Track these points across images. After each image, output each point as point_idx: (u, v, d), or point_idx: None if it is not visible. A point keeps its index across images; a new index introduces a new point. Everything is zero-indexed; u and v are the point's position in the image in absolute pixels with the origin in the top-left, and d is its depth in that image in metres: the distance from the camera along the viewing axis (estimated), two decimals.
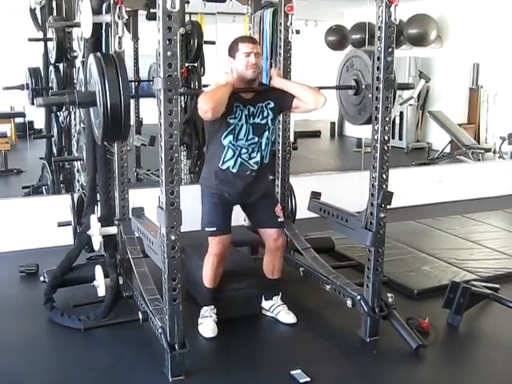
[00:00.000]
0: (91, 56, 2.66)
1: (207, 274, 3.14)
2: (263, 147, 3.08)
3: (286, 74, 3.55)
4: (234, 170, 3.03)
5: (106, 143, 3.47)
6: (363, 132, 5.21)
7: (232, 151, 3.03)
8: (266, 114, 3.06)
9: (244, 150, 3.04)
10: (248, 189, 3.09)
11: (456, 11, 8.49)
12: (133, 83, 6.42)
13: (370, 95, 3.00)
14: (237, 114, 2.98)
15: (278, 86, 3.09)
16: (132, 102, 6.49)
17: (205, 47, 5.43)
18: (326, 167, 7.62)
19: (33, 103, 5.29)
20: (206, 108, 2.82)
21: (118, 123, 2.54)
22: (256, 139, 3.05)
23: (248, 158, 3.05)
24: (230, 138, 3.01)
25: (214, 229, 3.05)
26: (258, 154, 3.06)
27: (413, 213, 5.47)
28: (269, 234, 3.19)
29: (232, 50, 3.00)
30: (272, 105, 3.07)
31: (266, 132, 3.08)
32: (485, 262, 4.17)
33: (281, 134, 3.66)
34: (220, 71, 2.99)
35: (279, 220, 3.19)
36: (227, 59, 3.03)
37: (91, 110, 2.77)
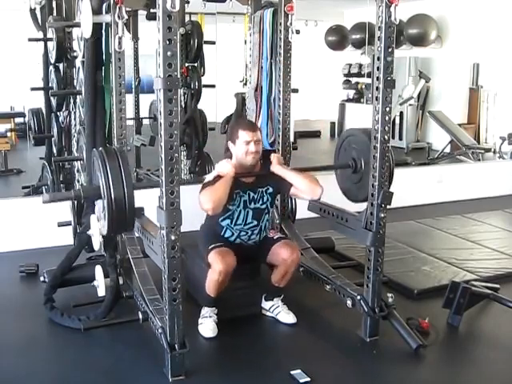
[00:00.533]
0: (94, 151, 2.78)
1: (211, 287, 3.06)
2: (263, 229, 3.20)
3: (286, 75, 3.55)
4: (234, 242, 3.15)
5: (106, 144, 3.49)
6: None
7: (230, 232, 3.15)
8: (265, 200, 3.16)
9: (243, 233, 3.15)
10: (248, 252, 3.17)
11: (456, 11, 8.49)
12: (132, 82, 6.43)
13: (367, 174, 3.02)
14: (236, 201, 3.07)
15: (277, 173, 3.12)
16: (132, 101, 6.50)
17: (205, 47, 5.44)
18: None
19: (36, 145, 5.47)
20: (206, 207, 2.91)
21: (123, 215, 2.63)
22: (255, 223, 3.15)
23: (247, 240, 3.17)
24: (228, 221, 3.12)
25: (213, 245, 3.05)
26: (258, 236, 3.19)
27: (413, 213, 5.47)
28: (277, 251, 3.15)
29: (232, 136, 3.08)
30: (271, 190, 3.17)
31: (266, 215, 3.19)
32: (485, 261, 4.16)
33: (281, 134, 3.66)
34: (222, 162, 3.03)
35: (275, 237, 3.23)
36: (227, 143, 3.12)
37: (97, 203, 2.89)
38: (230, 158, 3.12)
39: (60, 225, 3.85)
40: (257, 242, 3.20)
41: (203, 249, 3.13)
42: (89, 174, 3.50)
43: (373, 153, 2.91)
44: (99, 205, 2.78)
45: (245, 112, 4.18)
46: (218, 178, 2.97)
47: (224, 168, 2.99)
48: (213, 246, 3.05)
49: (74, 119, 4.70)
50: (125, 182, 2.61)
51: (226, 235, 3.16)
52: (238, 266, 3.00)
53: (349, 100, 9.98)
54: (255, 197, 3.12)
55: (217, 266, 2.96)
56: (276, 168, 3.12)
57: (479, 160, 7.50)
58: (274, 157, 3.18)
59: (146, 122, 6.69)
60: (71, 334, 3.09)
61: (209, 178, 3.02)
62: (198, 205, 3.12)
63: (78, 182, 4.35)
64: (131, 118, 6.32)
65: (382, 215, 2.92)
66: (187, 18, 5.47)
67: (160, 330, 2.66)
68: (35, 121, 5.30)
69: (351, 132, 3.44)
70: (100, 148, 2.78)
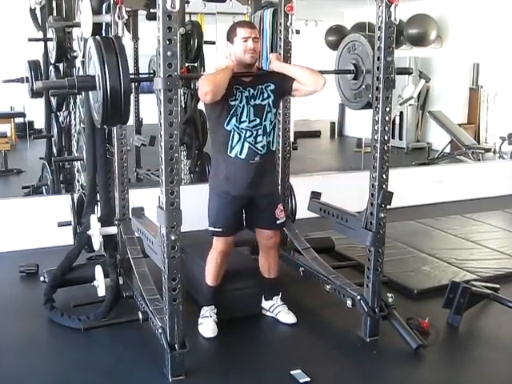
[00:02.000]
0: (90, 39, 2.64)
1: (210, 272, 3.15)
2: (268, 130, 3.04)
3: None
4: (242, 156, 2.98)
5: (106, 144, 3.49)
6: (363, 132, 5.21)
7: (238, 135, 2.98)
8: (266, 96, 3.04)
9: (249, 133, 2.99)
10: (257, 178, 3.03)
11: (456, 11, 8.49)
12: (133, 83, 6.42)
13: (368, 82, 2.98)
14: (237, 96, 2.97)
15: (277, 70, 3.06)
16: (132, 101, 6.50)
17: (205, 47, 5.44)
18: (325, 167, 7.63)
19: (32, 96, 5.30)
20: (205, 90, 2.80)
21: (118, 107, 2.50)
22: (258, 121, 3.01)
23: (254, 142, 3.00)
24: (233, 120, 2.97)
25: (220, 230, 3.06)
26: (264, 138, 3.02)
27: (413, 213, 5.47)
28: (263, 233, 3.20)
29: (230, 35, 2.99)
30: (272, 87, 3.05)
31: (269, 114, 3.04)
32: (485, 261, 4.16)
33: (281, 134, 3.66)
34: (220, 56, 2.99)
35: (278, 222, 3.19)
36: (226, 44, 3.02)
37: (90, 94, 2.76)
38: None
39: (60, 225, 3.85)
40: (264, 147, 3.03)
41: (213, 184, 3.10)
42: (89, 173, 3.51)
43: (373, 153, 2.91)
44: (94, 96, 2.67)
45: None
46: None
47: (223, 61, 2.96)
48: (215, 229, 3.06)
49: (74, 119, 4.71)
50: (121, 73, 2.48)
51: (233, 151, 2.99)
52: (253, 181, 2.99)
53: None
54: (255, 93, 3.01)
55: (216, 245, 3.07)
56: (275, 65, 3.08)
57: (479, 160, 7.49)
58: (272, 55, 3.16)
59: (146, 122, 6.69)
60: (71, 334, 3.09)
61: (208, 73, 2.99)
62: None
63: (78, 181, 4.36)
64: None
65: (382, 215, 2.93)
66: (187, 18, 5.47)
67: (160, 330, 2.66)
68: (32, 73, 5.20)
69: (354, 37, 3.26)
70: (97, 37, 2.66)
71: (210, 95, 2.80)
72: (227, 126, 2.97)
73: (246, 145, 2.98)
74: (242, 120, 2.97)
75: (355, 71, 3.16)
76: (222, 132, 2.99)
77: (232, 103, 2.95)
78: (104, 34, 3.38)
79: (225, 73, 2.88)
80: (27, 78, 5.26)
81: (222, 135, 3.00)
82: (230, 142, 2.98)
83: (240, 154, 2.98)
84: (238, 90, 2.96)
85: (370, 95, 2.96)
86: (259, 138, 3.00)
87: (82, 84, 2.62)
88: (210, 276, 3.16)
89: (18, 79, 5.35)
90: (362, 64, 3.11)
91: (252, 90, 3.00)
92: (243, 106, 2.97)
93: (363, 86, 3.10)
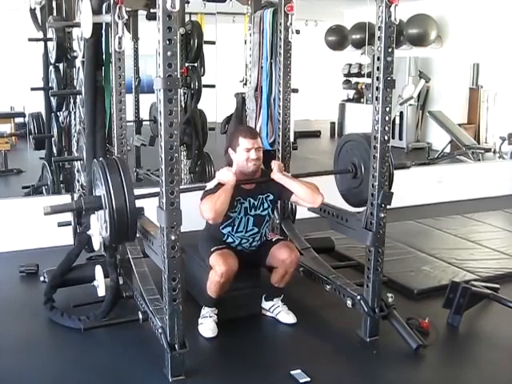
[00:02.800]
0: (94, 161, 2.78)
1: (212, 288, 3.05)
2: (263, 235, 3.21)
3: (286, 75, 3.55)
4: (235, 247, 3.15)
5: (106, 144, 3.49)
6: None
7: (232, 239, 3.14)
8: (266, 206, 3.16)
9: (244, 241, 3.16)
10: (249, 257, 3.17)
11: (456, 11, 8.49)
12: (132, 82, 6.44)
13: (367, 179, 3.02)
14: (237, 208, 3.07)
15: (278, 181, 3.11)
16: (132, 101, 6.50)
17: (205, 47, 5.44)
18: (325, 167, 7.59)
19: (36, 149, 5.48)
20: (207, 217, 2.92)
21: (125, 225, 2.63)
22: (256, 230, 3.15)
23: (249, 247, 3.19)
24: (229, 228, 3.12)
25: (215, 247, 3.05)
26: (259, 242, 3.20)
27: (413, 213, 5.47)
28: (276, 253, 3.16)
29: (232, 143, 3.08)
30: (271, 197, 3.17)
31: (267, 223, 3.21)
32: (485, 261, 4.16)
33: (281, 134, 3.66)
34: (223, 170, 3.03)
35: (274, 240, 3.23)
36: (229, 150, 3.12)
37: (98, 213, 2.88)
38: (230, 163, 3.12)
39: (60, 225, 3.84)
40: (257, 246, 3.21)
41: (204, 251, 3.13)
42: (89, 173, 3.51)
43: (373, 153, 2.91)
44: (100, 215, 2.78)
45: (245, 112, 4.18)
46: (219, 185, 2.97)
47: (225, 176, 2.98)
48: (215, 248, 3.05)
49: (74, 119, 4.70)
50: (126, 193, 2.61)
51: (228, 241, 3.17)
52: (239, 269, 3.00)
53: (349, 100, 9.97)
54: (256, 203, 3.12)
55: (218, 268, 2.96)
56: (277, 176, 3.11)
57: (479, 160, 7.49)
58: (274, 164, 3.17)
59: (146, 122, 6.70)
60: (71, 334, 3.09)
61: (210, 185, 3.02)
62: (198, 202, 3.13)
63: (78, 182, 4.35)
64: (131, 121, 6.32)
65: (382, 215, 2.92)
66: (187, 18, 5.47)
67: (160, 330, 2.66)
68: (35, 125, 5.30)
69: (351, 137, 3.45)
70: (101, 158, 2.79)
71: (211, 221, 2.94)
72: (223, 229, 3.12)
73: (240, 247, 3.16)
74: (239, 230, 3.13)
75: (354, 170, 3.31)
76: (217, 232, 3.13)
77: (231, 215, 3.07)
78: (104, 34, 3.39)
79: (226, 194, 2.92)
80: (30, 130, 5.42)
81: (217, 233, 3.14)
82: (224, 239, 3.15)
83: (235, 247, 3.14)
84: (238, 201, 3.06)
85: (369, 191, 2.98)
86: (254, 243, 3.19)
87: (89, 205, 2.77)
88: (211, 291, 3.07)
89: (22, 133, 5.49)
90: (361, 163, 3.26)
91: (252, 200, 3.11)
92: (241, 217, 3.10)
93: (363, 185, 3.18)
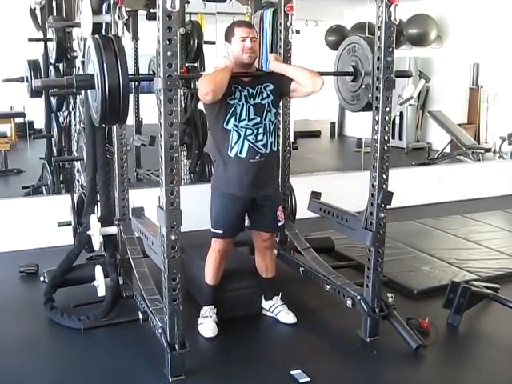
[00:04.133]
0: (90, 38, 2.63)
1: (209, 270, 3.16)
2: (269, 129, 3.03)
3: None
4: (243, 155, 2.96)
5: (106, 144, 3.49)
6: (363, 132, 5.21)
7: (237, 133, 2.97)
8: (265, 95, 3.03)
9: (249, 131, 2.98)
10: (258, 178, 3.01)
11: (456, 11, 8.49)
12: (132, 83, 6.43)
13: (367, 83, 2.98)
14: (236, 95, 2.96)
15: (276, 70, 3.06)
16: (132, 100, 6.50)
17: (205, 47, 5.44)
18: (325, 167, 7.62)
19: (32, 96, 5.28)
20: (206, 90, 2.81)
21: (117, 106, 2.50)
22: (258, 119, 3.00)
23: (255, 141, 2.98)
24: (233, 119, 2.96)
25: (221, 232, 3.06)
26: (265, 137, 3.00)
27: (413, 213, 5.47)
28: (263, 235, 3.21)
29: (228, 35, 2.99)
30: (271, 87, 3.05)
31: (269, 113, 3.03)
32: (485, 261, 4.16)
33: (281, 134, 3.66)
34: (219, 56, 2.99)
35: (279, 224, 3.20)
36: (224, 44, 3.02)
37: (89, 93, 2.75)
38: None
39: (60, 225, 3.85)
40: (266, 147, 3.01)
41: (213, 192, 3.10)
42: (89, 173, 3.51)
43: (373, 153, 2.91)
44: (92, 95, 2.66)
45: None
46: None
47: (222, 61, 2.95)
48: (216, 230, 3.06)
49: (74, 119, 4.71)
50: (120, 72, 2.47)
51: (233, 150, 2.98)
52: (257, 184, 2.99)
53: None
54: (254, 93, 3.01)
55: (217, 244, 3.09)
56: (274, 65, 3.07)
57: (479, 160, 7.49)
58: (270, 56, 3.15)
59: (146, 122, 6.69)
60: (71, 334, 3.09)
61: (207, 73, 2.99)
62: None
63: (78, 181, 4.36)
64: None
65: (382, 215, 2.93)
66: (187, 18, 5.47)
67: (160, 330, 2.66)
68: (32, 72, 5.18)
69: (353, 39, 3.25)
70: (96, 36, 2.65)
71: (210, 95, 2.81)
72: (226, 125, 2.97)
73: (246, 143, 2.96)
74: (242, 119, 2.97)
75: (354, 73, 3.16)
76: (222, 131, 2.98)
77: (231, 102, 2.94)
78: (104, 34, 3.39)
79: (224, 73, 2.87)
80: (27, 77, 5.26)
81: (222, 135, 2.99)
82: (230, 141, 2.96)
83: (240, 153, 2.96)
84: (236, 89, 2.96)
85: (370, 96, 2.95)
86: (260, 137, 2.99)
87: (81, 83, 2.61)
88: (209, 275, 3.17)
89: (18, 78, 5.35)
90: (361, 66, 3.10)
91: (251, 90, 3.00)
92: (242, 104, 2.97)
93: (362, 88, 3.09)
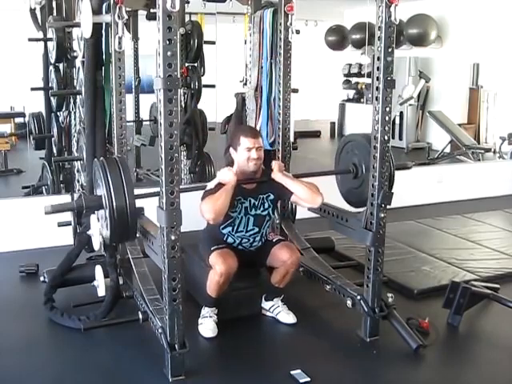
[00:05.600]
0: (95, 161, 2.79)
1: (211, 288, 3.06)
2: (264, 235, 3.19)
3: (286, 75, 3.55)
4: (236, 246, 3.14)
5: (106, 144, 3.49)
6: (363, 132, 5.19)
7: (232, 239, 3.14)
8: (266, 206, 3.16)
9: (245, 240, 3.15)
10: (249, 257, 3.16)
11: (456, 11, 8.49)
12: (132, 82, 6.43)
13: (368, 180, 3.02)
14: (237, 208, 3.07)
15: (278, 181, 3.11)
16: (132, 101, 6.50)
17: (205, 47, 5.44)
18: (326, 167, 7.59)
19: (37, 149, 5.48)
20: (207, 217, 2.92)
21: (125, 224, 2.64)
22: (257, 230, 3.14)
23: (249, 246, 3.17)
24: (229, 228, 3.11)
25: (215, 247, 3.06)
26: (260, 243, 3.19)
27: (413, 213, 5.47)
28: (276, 253, 3.16)
29: (234, 143, 3.08)
30: (272, 197, 3.17)
31: (268, 222, 3.19)
32: (485, 261, 4.16)
33: (281, 134, 3.66)
34: (224, 170, 3.03)
35: (274, 240, 3.24)
36: (229, 149, 3.12)
37: (99, 212, 2.88)
38: (231, 162, 3.12)
39: (60, 225, 3.84)
40: (258, 247, 3.20)
41: (205, 251, 3.13)
42: (89, 173, 3.51)
43: (373, 153, 2.91)
44: (101, 214, 2.79)
45: (245, 112, 4.18)
46: (220, 185, 2.97)
47: (226, 176, 2.98)
48: (215, 247, 3.05)
49: (74, 119, 4.70)
50: (126, 193, 2.61)
51: (228, 241, 3.16)
52: (239, 269, 3.00)
53: (349, 100, 9.98)
54: (256, 203, 3.12)
55: (218, 267, 2.97)
56: (277, 176, 3.11)
57: (479, 160, 7.49)
58: (275, 164, 3.17)
59: (146, 122, 6.70)
60: (71, 334, 3.09)
61: (210, 185, 3.03)
62: (198, 202, 3.12)
63: (78, 181, 4.35)
64: (131, 121, 6.32)
65: (382, 215, 2.92)
66: (187, 18, 5.47)
67: (160, 330, 2.66)
68: (36, 125, 5.30)
69: (352, 137, 3.44)
70: (101, 158, 2.79)
71: (212, 222, 2.94)
72: (223, 230, 3.11)
73: (240, 247, 3.15)
74: (239, 230, 3.11)
75: (355, 170, 3.31)
76: (218, 231, 3.12)
77: (231, 214, 3.06)
78: (104, 34, 3.39)
79: (226, 195, 2.92)
80: (30, 130, 5.42)
81: (217, 232, 3.13)
82: (225, 239, 3.14)
83: (236, 247, 3.13)
84: (239, 201, 3.06)
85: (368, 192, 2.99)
86: (254, 244, 3.18)
87: (90, 204, 2.77)
88: (211, 290, 3.07)
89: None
90: (362, 163, 3.26)
91: (253, 200, 3.10)
92: (241, 217, 3.09)
93: (364, 185, 3.16)
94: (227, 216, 3.02)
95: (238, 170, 3.04)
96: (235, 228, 3.11)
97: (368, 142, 3.02)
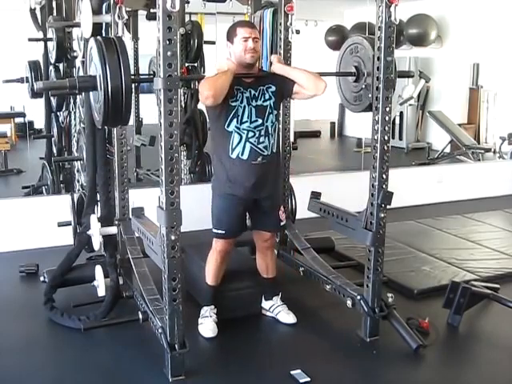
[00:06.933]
0: (92, 40, 2.62)
1: (210, 271, 3.16)
2: (270, 131, 3.02)
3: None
4: (245, 157, 2.95)
5: (106, 144, 3.49)
6: (363, 132, 5.21)
7: (238, 135, 2.95)
8: (267, 97, 3.02)
9: (251, 134, 2.96)
10: (260, 180, 3.00)
11: (456, 11, 8.49)
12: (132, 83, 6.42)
13: (366, 84, 2.97)
14: (238, 97, 2.95)
15: (279, 72, 3.04)
16: (132, 101, 6.49)
17: (205, 47, 5.44)
18: (325, 167, 7.62)
19: (33, 96, 5.29)
20: (206, 94, 2.79)
21: (119, 107, 2.49)
22: (260, 121, 2.98)
23: (257, 143, 2.97)
24: (234, 121, 2.95)
25: (223, 232, 3.06)
26: (267, 139, 2.99)
27: (413, 213, 5.47)
28: (264, 235, 3.20)
29: (230, 35, 2.97)
30: (273, 88, 3.03)
31: (271, 115, 3.02)
32: (485, 261, 4.16)
33: (281, 134, 3.66)
34: (221, 58, 2.96)
35: (280, 224, 3.22)
36: (226, 44, 3.01)
37: (91, 94, 2.74)
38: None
39: (60, 225, 3.85)
40: (267, 148, 3.00)
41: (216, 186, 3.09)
42: (89, 173, 3.51)
43: (373, 153, 2.91)
44: (94, 96, 2.65)
45: None
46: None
47: (224, 64, 2.93)
48: (218, 231, 3.06)
49: (74, 119, 4.71)
50: (122, 73, 2.46)
51: (235, 152, 2.96)
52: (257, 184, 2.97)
53: None
54: (256, 94, 2.99)
55: (216, 245, 3.07)
56: (277, 67, 3.05)
57: (479, 160, 7.49)
58: (273, 57, 3.13)
59: (146, 122, 6.69)
60: (71, 334, 3.09)
61: (209, 75, 2.96)
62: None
63: (78, 181, 4.36)
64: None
65: (382, 215, 2.93)
66: (187, 18, 5.47)
67: (160, 330, 2.66)
68: (32, 73, 5.18)
69: (356, 39, 3.22)
70: (98, 37, 2.63)
71: (210, 99, 2.80)
72: (228, 127, 2.95)
73: (248, 145, 2.95)
74: (243, 121, 2.95)
75: (356, 73, 3.14)
76: (223, 133, 2.97)
77: (233, 104, 2.93)
78: (104, 34, 3.39)
79: (226, 76, 2.85)
80: (27, 78, 5.26)
81: (223, 136, 2.98)
82: (231, 143, 2.95)
83: (242, 154, 2.95)
84: (238, 90, 2.94)
85: (371, 96, 2.95)
86: (262, 139, 2.98)
87: (83, 84, 2.60)
88: (209, 275, 3.17)
89: (18, 79, 5.35)
90: (364, 67, 3.08)
91: (253, 91, 2.98)
92: (244, 106, 2.95)
93: (364, 89, 3.08)
94: (229, 106, 2.92)
95: (235, 63, 2.96)
96: (239, 119, 2.96)
97: (372, 45, 2.93)
